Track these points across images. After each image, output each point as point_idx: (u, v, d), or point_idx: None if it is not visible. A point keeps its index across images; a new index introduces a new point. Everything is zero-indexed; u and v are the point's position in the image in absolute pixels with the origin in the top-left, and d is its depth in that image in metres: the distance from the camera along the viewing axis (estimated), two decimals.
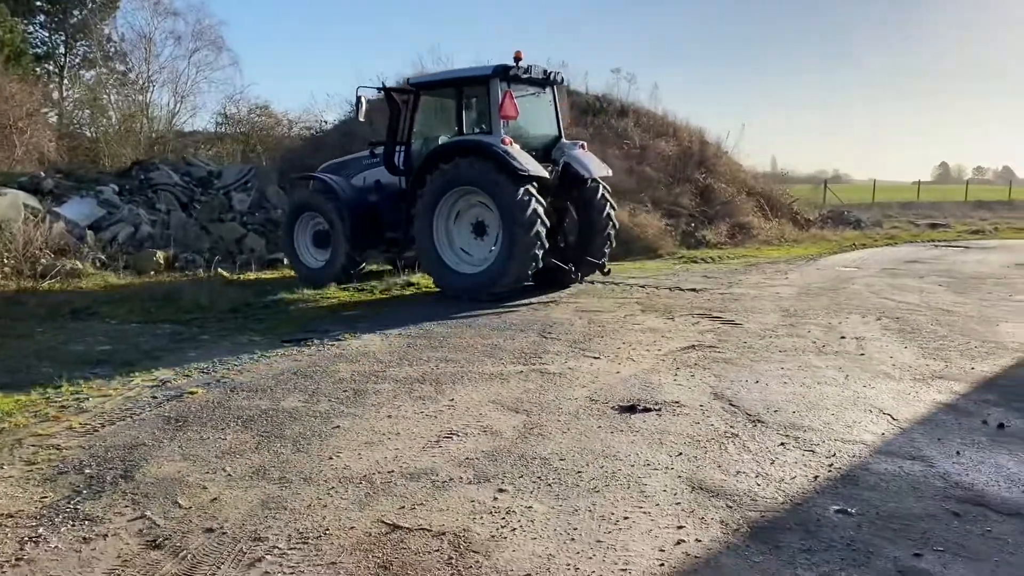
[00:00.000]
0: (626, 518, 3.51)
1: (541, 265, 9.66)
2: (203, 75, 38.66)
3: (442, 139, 10.44)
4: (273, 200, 15.50)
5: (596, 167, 10.58)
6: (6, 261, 10.85)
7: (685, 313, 8.87)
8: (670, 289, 10.85)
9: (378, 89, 10.89)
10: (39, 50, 39.35)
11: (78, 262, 11.14)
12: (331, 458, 4.28)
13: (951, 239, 21.19)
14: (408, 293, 10.59)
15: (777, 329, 7.89)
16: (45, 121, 28.74)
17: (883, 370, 6.15)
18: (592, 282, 11.13)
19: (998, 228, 25.14)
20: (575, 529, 3.39)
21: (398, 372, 6.20)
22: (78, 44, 40.72)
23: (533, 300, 9.69)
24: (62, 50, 40.23)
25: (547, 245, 9.61)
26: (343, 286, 10.62)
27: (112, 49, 40.92)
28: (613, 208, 10.89)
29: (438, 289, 10.05)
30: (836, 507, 3.60)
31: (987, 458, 4.21)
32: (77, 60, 40.46)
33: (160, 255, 12.08)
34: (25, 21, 37.50)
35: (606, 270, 10.98)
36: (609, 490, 3.82)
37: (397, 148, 10.49)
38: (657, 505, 3.64)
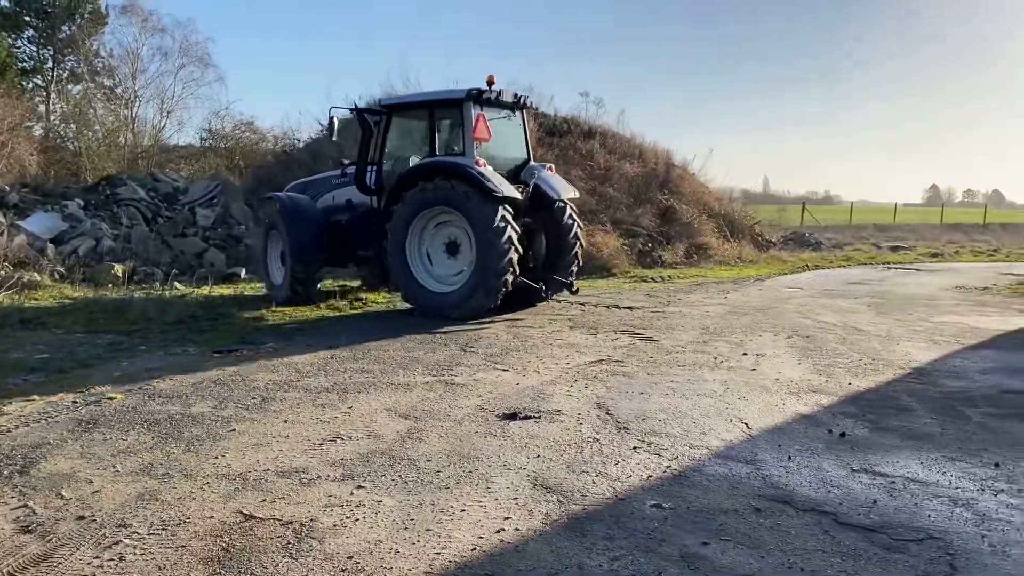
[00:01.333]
0: (463, 511, 3.89)
1: (511, 288, 9.92)
2: (189, 91, 39.08)
3: (413, 160, 10.73)
4: (237, 216, 15.90)
5: (564, 189, 10.97)
6: None
7: (610, 330, 9.28)
8: (607, 307, 11.27)
9: (350, 110, 11.20)
10: (27, 64, 39.67)
11: (36, 274, 11.49)
12: (216, 457, 4.66)
13: (907, 261, 21.71)
14: (377, 310, 10.95)
15: (688, 345, 8.31)
16: (28, 135, 29.09)
17: (764, 384, 6.57)
18: (558, 300, 11.50)
19: (959, 252, 25.70)
20: (412, 520, 3.78)
21: (311, 382, 6.59)
22: (66, 59, 41.13)
23: (500, 318, 10.01)
24: (50, 64, 40.62)
25: (518, 270, 9.86)
26: (311, 303, 11.04)
27: (100, 64, 41.35)
28: (580, 228, 11.23)
29: (409, 306, 10.34)
30: (653, 502, 4.00)
31: (814, 463, 4.62)
32: (65, 75, 40.88)
33: (118, 268, 12.45)
34: (13, 36, 37.85)
35: (575, 289, 11.23)
36: (459, 487, 4.20)
37: (369, 168, 10.70)
38: (496, 500, 4.03)
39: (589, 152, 21.42)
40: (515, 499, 4.04)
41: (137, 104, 39.78)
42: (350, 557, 3.37)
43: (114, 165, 30.49)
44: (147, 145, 37.54)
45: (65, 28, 40.23)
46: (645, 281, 15.09)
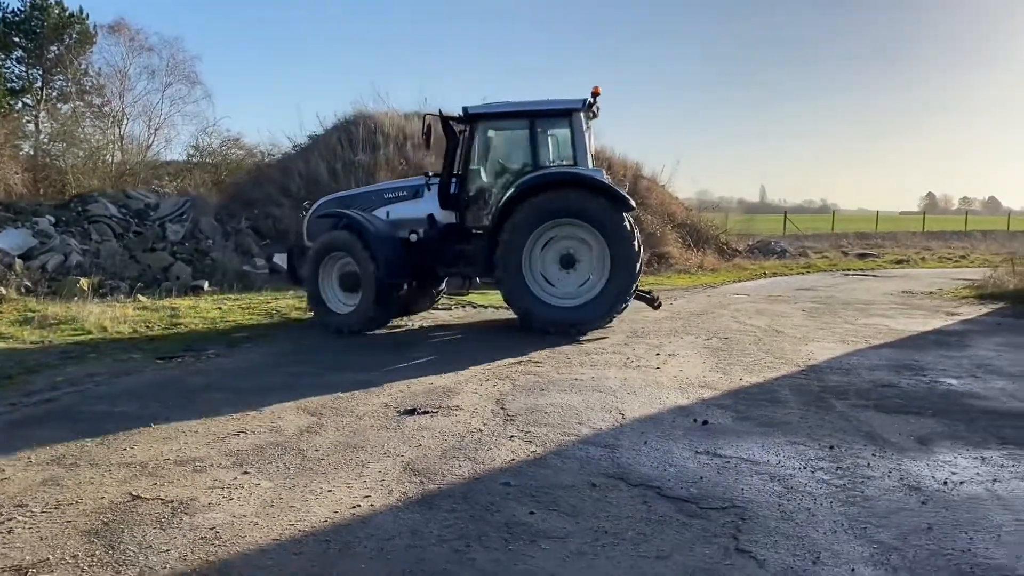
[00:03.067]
0: (330, 491, 4.35)
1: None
2: (177, 108, 39.52)
3: (504, 172, 10.43)
4: (206, 231, 16.37)
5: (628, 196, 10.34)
6: None
7: (541, 334, 9.75)
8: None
9: (439, 116, 10.36)
10: (15, 84, 40.18)
11: (2, 288, 11.93)
12: (125, 449, 5.11)
13: (869, 268, 22.22)
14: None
15: (609, 347, 8.78)
16: (12, 154, 29.57)
17: (659, 381, 7.04)
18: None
19: (925, 258, 26.22)
20: (280, 499, 4.23)
21: (240, 383, 7.05)
22: (55, 78, 41.65)
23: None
24: (39, 84, 41.13)
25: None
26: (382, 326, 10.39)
27: (89, 83, 41.88)
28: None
29: (523, 323, 9.80)
30: (504, 481, 4.46)
31: (665, 446, 5.08)
32: (54, 94, 41.43)
33: (84, 282, 12.89)
34: (2, 57, 38.35)
35: (658, 303, 11.17)
36: (335, 472, 4.66)
37: (453, 180, 10.18)
38: (364, 482, 4.49)
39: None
40: (382, 481, 4.50)
41: (125, 122, 40.30)
42: (212, 528, 3.82)
43: (99, 182, 30.96)
44: (134, 162, 38.04)
45: (54, 48, 40.84)
46: None
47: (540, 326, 9.57)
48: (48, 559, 3.49)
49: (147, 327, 10.42)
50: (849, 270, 21.54)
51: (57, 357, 8.48)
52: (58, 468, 4.74)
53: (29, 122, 39.30)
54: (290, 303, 12.62)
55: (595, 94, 9.92)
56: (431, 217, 10.22)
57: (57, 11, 38.99)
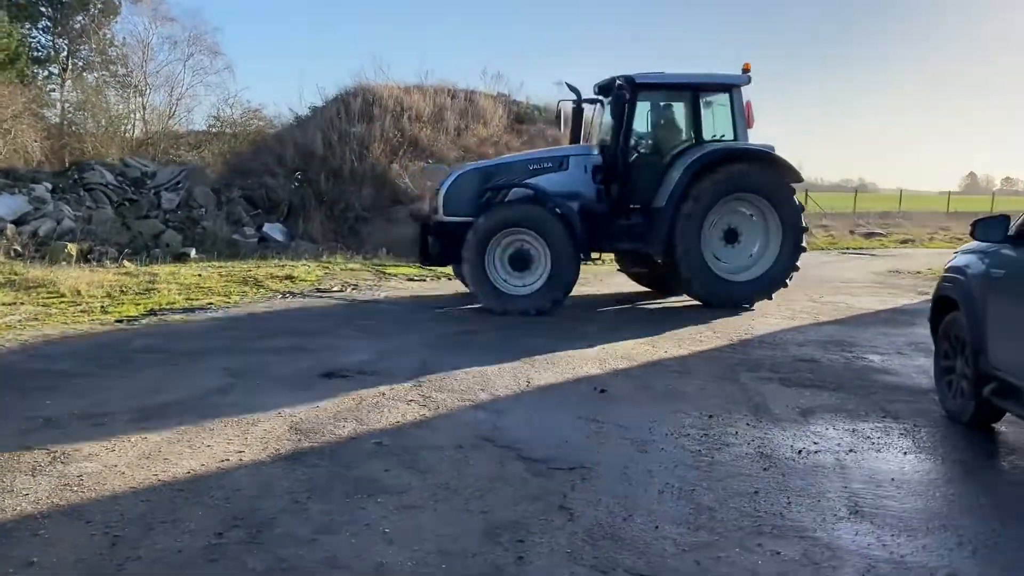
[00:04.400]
0: (208, 446, 4.57)
1: None
2: (198, 79, 39.95)
3: (668, 144, 10.33)
4: (200, 200, 16.69)
5: None
6: None
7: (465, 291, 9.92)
8: None
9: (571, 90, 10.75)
10: (40, 53, 40.78)
11: None
12: (39, 404, 5.37)
13: (870, 247, 22.03)
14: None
15: (564, 322, 8.92)
16: (31, 122, 30.18)
17: (587, 354, 7.19)
18: None
19: (933, 239, 25.89)
20: (159, 452, 4.46)
21: (180, 346, 7.31)
22: (80, 48, 42.24)
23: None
24: (65, 53, 41.75)
25: None
26: None
27: (114, 53, 42.44)
28: None
29: (696, 301, 9.82)
30: (377, 440, 4.66)
31: (550, 413, 5.25)
32: (80, 63, 42.08)
33: (71, 247, 13.27)
34: (28, 26, 38.94)
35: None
36: (223, 429, 4.87)
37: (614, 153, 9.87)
38: (245, 439, 4.69)
39: (556, 139, 21.91)
40: (263, 439, 4.71)
41: (148, 92, 40.84)
42: (79, 476, 4.06)
43: (118, 151, 31.46)
44: (154, 132, 38.54)
45: (79, 18, 41.41)
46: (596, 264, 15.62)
47: (714, 300, 9.59)
48: None
49: (122, 292, 10.73)
50: (848, 248, 21.38)
51: (21, 318, 8.80)
52: None
53: (53, 91, 39.97)
54: (270, 271, 12.89)
55: (746, 70, 10.01)
56: (599, 192, 9.87)
57: None
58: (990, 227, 4.54)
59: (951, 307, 5.08)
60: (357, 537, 3.39)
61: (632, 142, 9.98)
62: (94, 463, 4.25)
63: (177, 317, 8.94)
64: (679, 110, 10.41)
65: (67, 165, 17.95)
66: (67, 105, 40.19)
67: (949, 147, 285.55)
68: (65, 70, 41.63)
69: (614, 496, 3.84)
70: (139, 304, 9.87)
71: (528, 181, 9.72)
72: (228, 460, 4.33)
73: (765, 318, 9.15)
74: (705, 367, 6.64)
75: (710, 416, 5.19)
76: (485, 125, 20.76)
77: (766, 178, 9.58)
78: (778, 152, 9.74)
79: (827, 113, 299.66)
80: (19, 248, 13.03)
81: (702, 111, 10.05)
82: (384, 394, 5.71)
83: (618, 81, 9.74)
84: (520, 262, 9.45)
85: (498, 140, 20.53)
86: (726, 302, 9.55)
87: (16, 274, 11.94)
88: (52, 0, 40.69)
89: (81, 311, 9.31)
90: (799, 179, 9.78)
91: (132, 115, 38.63)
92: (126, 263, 13.03)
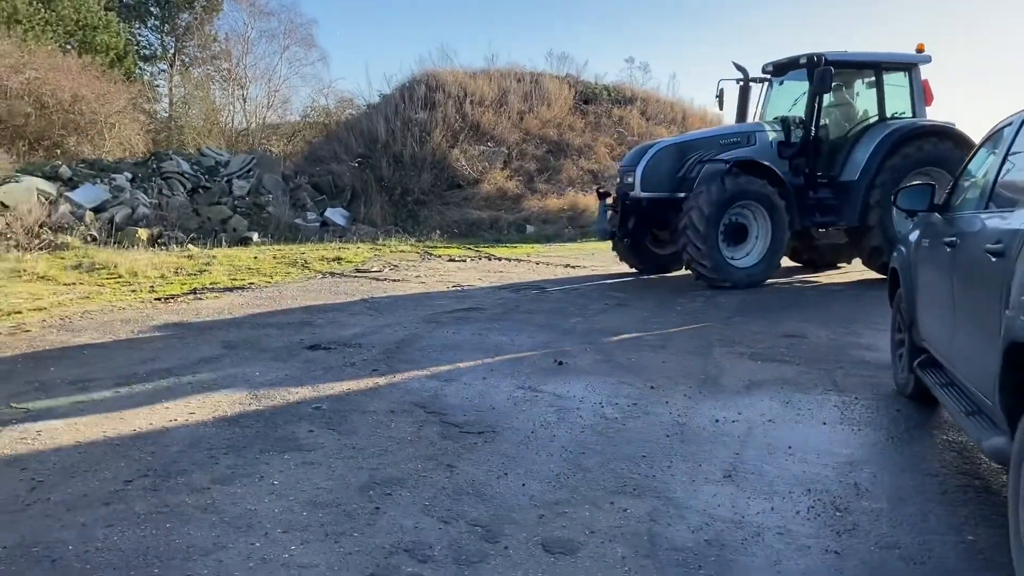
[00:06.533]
0: (166, 408, 4.96)
1: None
2: (294, 71, 41.50)
3: (850, 119, 10.63)
4: (268, 186, 17.48)
5: None
6: (13, 235, 13.19)
7: (519, 280, 10.11)
8: (545, 264, 12.05)
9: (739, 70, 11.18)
10: (148, 51, 43.21)
11: (68, 237, 13.35)
12: (48, 371, 5.92)
13: None
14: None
15: (573, 302, 9.05)
16: (134, 116, 32.14)
17: (576, 328, 7.30)
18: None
19: None
20: (119, 412, 4.88)
21: (202, 320, 7.82)
22: (187, 45, 44.56)
23: None
24: (172, 51, 44.14)
25: None
26: None
27: (216, 48, 44.58)
28: None
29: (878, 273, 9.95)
30: (316, 406, 4.95)
31: (496, 382, 5.42)
32: (185, 59, 44.43)
33: (142, 232, 14.20)
34: (138, 26, 41.33)
35: None
36: (186, 394, 5.24)
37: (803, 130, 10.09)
38: (201, 402, 5.06)
39: (621, 118, 21.82)
40: (217, 402, 5.07)
41: (247, 84, 42.71)
42: (39, 431, 4.50)
43: (215, 142, 33.08)
44: (252, 123, 40.28)
45: (184, 16, 43.69)
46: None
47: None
48: None
49: (175, 273, 11.46)
50: None
51: (73, 297, 9.57)
52: None
53: (158, 86, 42.28)
54: (321, 253, 13.46)
55: (920, 50, 10.27)
56: (795, 165, 9.99)
57: None
58: (913, 196, 4.43)
59: (897, 278, 4.98)
60: (245, 488, 3.68)
61: (823, 117, 10.18)
62: (59, 421, 4.70)
63: (213, 295, 9.52)
64: (861, 87, 10.74)
65: (147, 155, 19.08)
66: (175, 99, 42.48)
67: None
68: (172, 66, 43.99)
69: (504, 457, 4.01)
70: (185, 284, 10.54)
71: (740, 155, 9.69)
72: (175, 420, 4.71)
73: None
74: (683, 342, 6.66)
75: (652, 387, 5.25)
76: (549, 107, 20.85)
77: (949, 152, 9.63)
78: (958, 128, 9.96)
79: None
80: (95, 233, 14.03)
81: (885, 89, 10.31)
82: (353, 364, 6.01)
83: (814, 59, 9.82)
84: (737, 234, 9.59)
85: (561, 122, 20.63)
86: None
87: (87, 257, 12.91)
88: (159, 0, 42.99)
89: (131, 291, 10.02)
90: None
91: (231, 107, 40.49)
92: (190, 247, 13.85)
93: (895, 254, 5.09)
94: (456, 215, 16.92)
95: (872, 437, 4.29)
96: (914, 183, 9.28)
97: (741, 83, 11.29)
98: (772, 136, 10.11)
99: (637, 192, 9.91)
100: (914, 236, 4.69)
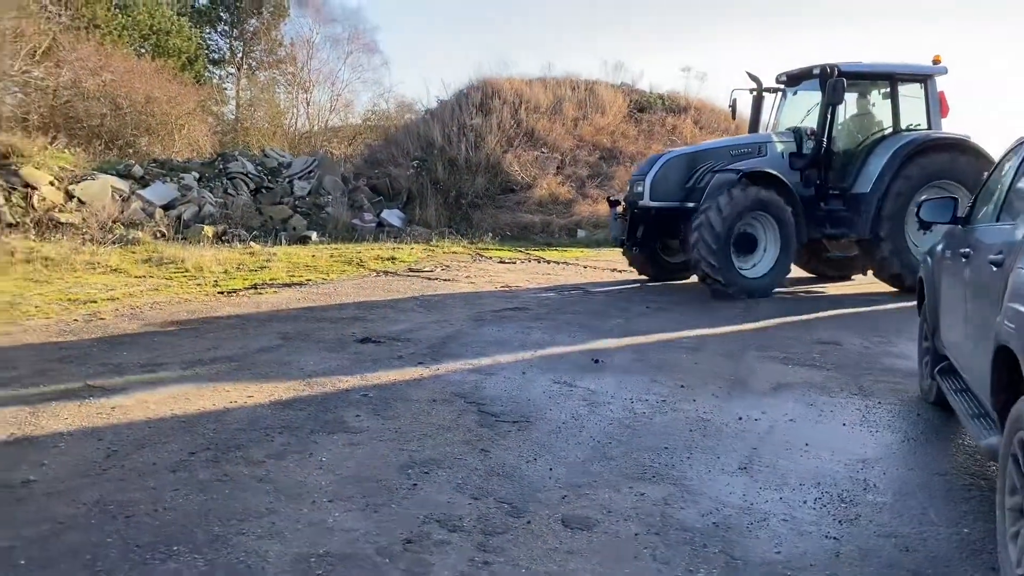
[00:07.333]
0: (227, 391, 5.37)
1: None
2: (356, 75, 42.51)
3: (863, 131, 10.50)
4: (328, 187, 18.07)
5: None
6: (89, 229, 13.96)
7: (566, 282, 10.38)
8: (593, 268, 12.30)
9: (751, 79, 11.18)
10: (217, 55, 44.66)
11: (139, 233, 14.07)
12: (122, 354, 6.40)
13: None
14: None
15: (600, 304, 9.30)
16: (202, 118, 33.32)
17: (610, 328, 7.55)
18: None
19: None
20: (184, 393, 5.30)
21: (261, 313, 8.28)
22: (254, 49, 45.95)
23: None
24: (240, 55, 45.55)
25: None
26: None
27: (282, 53, 45.89)
28: None
29: (889, 285, 10.04)
30: (364, 393, 5.31)
31: (535, 376, 5.71)
32: (252, 63, 45.84)
33: (208, 230, 14.86)
34: (207, 30, 42.78)
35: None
36: (249, 379, 5.65)
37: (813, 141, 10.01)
38: (259, 385, 5.45)
39: (675, 127, 21.92)
40: (275, 387, 5.46)
41: (311, 88, 43.87)
42: (113, 407, 4.95)
43: (279, 144, 34.07)
44: (315, 126, 41.33)
45: (253, 21, 45.10)
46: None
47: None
48: None
49: (237, 268, 12.02)
50: None
51: (144, 289, 10.15)
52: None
53: (226, 88, 43.65)
54: (376, 253, 13.93)
55: (936, 62, 10.19)
56: (807, 176, 9.95)
57: None
58: (936, 208, 4.59)
59: (923, 289, 5.13)
60: (296, 462, 4.04)
61: (837, 128, 10.17)
62: (131, 399, 5.14)
63: (272, 290, 10.01)
64: (876, 98, 10.60)
65: (214, 156, 19.85)
66: (243, 101, 43.77)
67: None
68: (239, 69, 45.36)
69: (535, 444, 4.30)
70: (247, 279, 11.06)
71: (766, 169, 9.60)
72: (235, 402, 5.11)
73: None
74: (717, 345, 6.86)
75: (682, 386, 5.48)
76: (603, 114, 21.07)
77: (965, 166, 9.51)
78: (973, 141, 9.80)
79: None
80: (164, 230, 14.73)
81: (899, 100, 10.20)
82: (401, 356, 6.37)
83: (827, 69, 9.69)
84: (745, 245, 9.57)
85: (614, 129, 20.82)
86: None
87: (156, 252, 13.58)
88: (229, 4, 44.41)
89: (196, 284, 10.58)
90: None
91: (295, 110, 41.62)
92: (252, 244, 14.45)
93: (922, 265, 5.23)
94: (508, 218, 17.26)
95: (888, 438, 4.46)
96: (938, 195, 9.35)
97: (754, 93, 11.27)
98: (784, 147, 10.07)
99: (646, 201, 9.98)
100: (939, 247, 4.84)
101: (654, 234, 10.35)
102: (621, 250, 11.33)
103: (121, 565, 2.95)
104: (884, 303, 9.11)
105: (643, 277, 11.24)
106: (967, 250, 3.90)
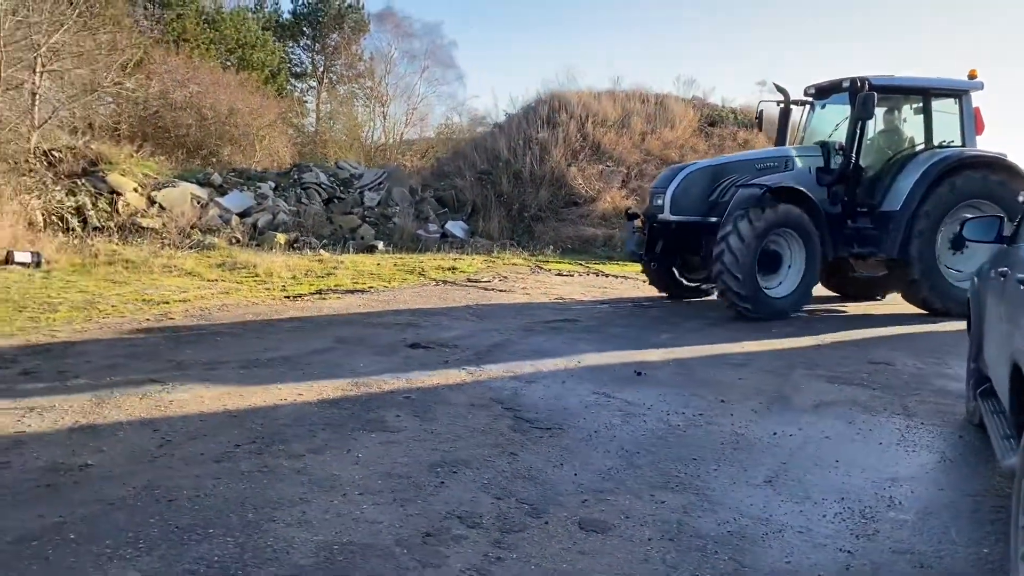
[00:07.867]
0: (279, 389, 5.61)
1: None
2: (432, 89, 43.28)
3: (894, 146, 10.17)
4: (396, 199, 18.49)
5: None
6: (168, 234, 14.63)
7: (619, 297, 10.42)
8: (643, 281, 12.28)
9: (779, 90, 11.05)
10: (299, 68, 46.11)
11: (215, 238, 14.67)
12: (185, 352, 6.75)
13: None
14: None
15: (651, 318, 9.31)
16: (283, 130, 34.45)
17: (653, 340, 7.58)
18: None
19: None
20: (239, 390, 5.57)
21: (322, 317, 8.59)
22: (335, 64, 47.31)
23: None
24: (321, 68, 46.95)
25: None
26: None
27: (362, 67, 47.12)
28: None
29: (918, 308, 9.73)
30: (407, 395, 5.49)
31: (574, 387, 5.79)
32: (333, 77, 47.21)
33: (280, 237, 15.39)
34: (291, 44, 44.24)
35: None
36: (300, 378, 5.90)
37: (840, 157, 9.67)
38: (310, 386, 5.69)
39: (746, 141, 21.67)
40: (324, 386, 5.70)
41: (388, 102, 44.89)
42: (171, 400, 5.24)
43: (355, 156, 34.95)
44: (390, 139, 42.24)
45: (334, 36, 46.47)
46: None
47: (945, 307, 9.23)
48: None
49: (305, 275, 12.43)
50: None
51: (215, 291, 10.60)
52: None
53: (307, 101, 45.01)
54: (438, 263, 14.19)
55: (972, 76, 9.90)
56: (834, 192, 9.63)
57: (338, 3, 43.82)
58: (981, 227, 4.53)
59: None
60: (334, 457, 4.23)
61: (866, 143, 9.82)
62: (188, 394, 5.43)
63: (335, 296, 10.33)
64: (908, 114, 10.29)
65: (291, 167, 20.51)
66: (320, 115, 45.04)
67: None
68: (320, 83, 46.72)
69: (564, 450, 4.39)
70: (313, 285, 11.44)
71: (791, 184, 9.26)
72: (285, 399, 5.35)
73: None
74: (766, 362, 6.82)
75: (722, 401, 5.50)
76: (672, 128, 21.00)
77: (999, 185, 9.19)
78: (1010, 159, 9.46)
79: None
80: (239, 236, 15.32)
81: (932, 116, 9.88)
82: (447, 362, 6.54)
83: (857, 83, 9.39)
84: (770, 262, 9.17)
85: (683, 143, 20.73)
86: (952, 309, 8.98)
87: (230, 257, 14.13)
88: (312, 20, 45.84)
89: (265, 288, 10.99)
90: None
91: (372, 123, 42.61)
92: (322, 252, 14.91)
93: (970, 284, 5.14)
94: (570, 231, 17.35)
95: (924, 458, 4.40)
96: (984, 215, 8.99)
97: (782, 105, 10.99)
98: (810, 161, 9.74)
99: (666, 215, 9.64)
100: (984, 267, 4.77)
101: (674, 249, 10.12)
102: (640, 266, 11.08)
103: (160, 544, 3.17)
104: (945, 323, 8.85)
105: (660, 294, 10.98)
106: (1004, 269, 3.85)
